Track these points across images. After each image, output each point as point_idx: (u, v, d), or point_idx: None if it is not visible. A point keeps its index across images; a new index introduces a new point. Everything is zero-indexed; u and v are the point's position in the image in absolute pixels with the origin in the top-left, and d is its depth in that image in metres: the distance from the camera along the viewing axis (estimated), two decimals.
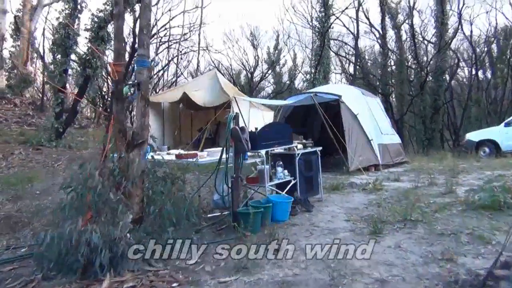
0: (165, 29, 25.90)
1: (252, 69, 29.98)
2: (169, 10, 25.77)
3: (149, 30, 5.35)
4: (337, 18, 21.84)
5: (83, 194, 4.73)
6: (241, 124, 13.75)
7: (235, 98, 12.14)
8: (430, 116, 24.96)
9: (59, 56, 15.21)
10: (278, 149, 6.71)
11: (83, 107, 23.01)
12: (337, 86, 14.82)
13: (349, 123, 10.48)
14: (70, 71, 16.39)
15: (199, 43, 27.10)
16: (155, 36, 25.95)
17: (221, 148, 6.14)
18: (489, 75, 30.78)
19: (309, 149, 7.13)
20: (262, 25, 58.82)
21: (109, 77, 27.14)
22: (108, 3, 14.80)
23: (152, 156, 5.84)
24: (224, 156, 5.91)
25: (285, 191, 6.54)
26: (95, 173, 4.83)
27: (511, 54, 26.75)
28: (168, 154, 7.34)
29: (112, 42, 14.40)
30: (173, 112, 15.97)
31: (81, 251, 3.96)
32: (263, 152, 6.22)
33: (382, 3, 26.01)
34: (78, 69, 15.72)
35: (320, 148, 7.26)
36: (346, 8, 22.23)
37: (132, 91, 5.34)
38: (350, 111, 10.62)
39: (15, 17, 21.48)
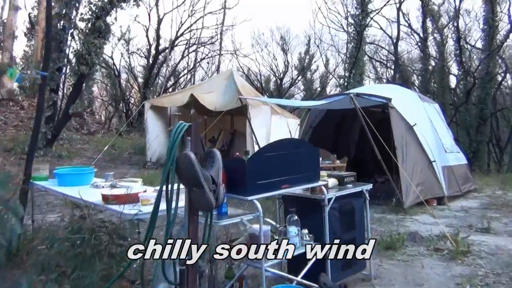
0: (190, 30, 22.81)
1: (281, 75, 26.51)
2: (190, 12, 22.61)
3: None
4: (377, 13, 18.13)
5: None
6: (261, 137, 10.31)
7: (240, 100, 8.69)
8: (476, 127, 20.87)
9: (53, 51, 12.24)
10: (293, 190, 3.28)
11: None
12: (384, 87, 11.09)
13: (403, 137, 6.87)
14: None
15: (220, 45, 23.83)
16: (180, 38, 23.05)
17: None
18: None
19: (349, 189, 3.63)
20: (293, 29, 54.91)
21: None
22: None
23: None
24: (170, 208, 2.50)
25: (302, 273, 3.10)
26: None
27: None
28: (114, 187, 4.00)
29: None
30: (183, 119, 12.68)
31: None
32: (257, 201, 2.80)
33: (424, 4, 22.08)
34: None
35: (370, 186, 3.75)
36: (386, 3, 18.43)
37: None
38: (404, 121, 7.01)
39: (29, 14, 18.88)
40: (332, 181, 3.61)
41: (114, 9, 11.50)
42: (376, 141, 6.70)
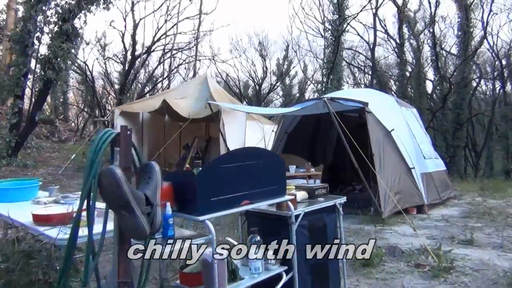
0: (167, 36, 22.27)
1: (260, 80, 26.14)
2: (167, 16, 22.07)
3: None
4: (354, 18, 17.90)
5: None
6: (235, 144, 9.79)
7: (209, 104, 8.25)
8: (452, 132, 20.82)
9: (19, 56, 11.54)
10: (255, 207, 2.81)
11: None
12: (361, 91, 10.78)
13: (380, 143, 6.51)
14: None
15: (196, 50, 23.33)
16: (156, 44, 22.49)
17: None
18: (509, 89, 26.65)
19: (320, 203, 3.20)
20: (271, 35, 54.72)
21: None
22: None
23: None
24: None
25: None
26: None
27: None
28: (57, 203, 3.48)
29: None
30: (156, 125, 12.16)
31: None
32: (210, 222, 2.34)
33: (400, 11, 22.00)
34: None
35: (344, 199, 3.33)
36: (363, 9, 18.24)
37: None
38: (381, 126, 6.65)
39: None
40: (301, 195, 3.18)
41: (83, 11, 10.92)
42: (352, 147, 6.32)
